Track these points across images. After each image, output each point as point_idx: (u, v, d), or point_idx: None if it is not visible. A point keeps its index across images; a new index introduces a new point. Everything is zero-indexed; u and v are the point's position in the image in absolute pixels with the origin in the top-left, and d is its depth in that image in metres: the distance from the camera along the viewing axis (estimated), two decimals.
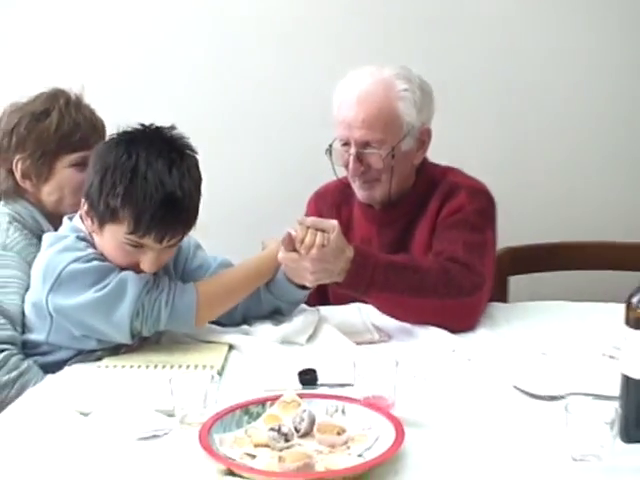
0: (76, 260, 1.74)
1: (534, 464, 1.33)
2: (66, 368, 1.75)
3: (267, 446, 1.38)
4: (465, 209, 2.02)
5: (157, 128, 1.79)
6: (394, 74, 2.03)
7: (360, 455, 1.34)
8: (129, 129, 1.78)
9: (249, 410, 1.47)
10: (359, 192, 2.09)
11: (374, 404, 1.47)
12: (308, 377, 1.63)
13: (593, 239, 2.63)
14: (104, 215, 1.73)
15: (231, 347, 1.82)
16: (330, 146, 2.09)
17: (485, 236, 2.01)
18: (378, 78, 2.02)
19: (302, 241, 1.78)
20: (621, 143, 2.99)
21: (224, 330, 1.89)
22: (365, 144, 2.01)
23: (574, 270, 2.60)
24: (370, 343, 1.85)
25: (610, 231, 2.70)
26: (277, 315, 1.94)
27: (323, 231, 1.79)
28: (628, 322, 1.40)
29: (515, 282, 2.51)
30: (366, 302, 1.97)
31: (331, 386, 1.61)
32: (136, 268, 1.77)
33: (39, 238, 1.92)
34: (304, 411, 1.43)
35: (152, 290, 1.75)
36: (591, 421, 1.32)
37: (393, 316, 1.90)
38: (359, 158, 2.02)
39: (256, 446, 1.38)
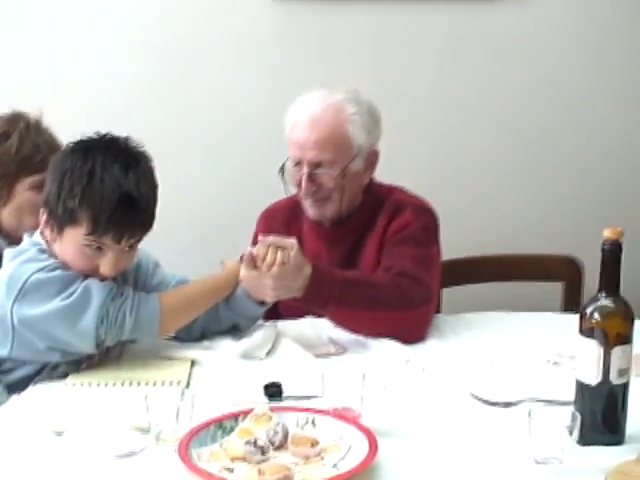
0: (40, 270, 1.71)
1: (501, 468, 1.37)
2: (31, 387, 1.70)
3: (244, 459, 1.37)
4: (411, 226, 2.05)
5: (112, 137, 1.79)
6: (344, 98, 2.05)
7: (335, 465, 1.36)
8: (84, 138, 1.78)
9: (223, 424, 1.46)
10: (310, 210, 2.10)
11: (343, 415, 1.48)
12: (274, 390, 1.63)
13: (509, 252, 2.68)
14: (63, 219, 1.72)
15: (193, 362, 1.80)
16: (282, 166, 2.09)
17: (431, 251, 2.05)
18: (329, 102, 2.04)
19: (263, 259, 1.79)
20: (544, 163, 3.07)
21: (184, 345, 1.88)
22: (317, 164, 2.03)
23: (494, 282, 2.63)
24: (327, 355, 1.85)
25: (526, 245, 2.75)
26: (235, 331, 1.93)
27: (283, 249, 1.79)
28: (582, 331, 1.44)
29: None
30: (320, 316, 1.97)
31: (297, 398, 1.61)
32: (96, 274, 1.75)
33: None
34: (277, 424, 1.43)
35: (116, 297, 1.74)
36: (550, 425, 1.36)
37: (348, 329, 1.92)
38: (311, 178, 2.04)
39: (233, 460, 1.38)
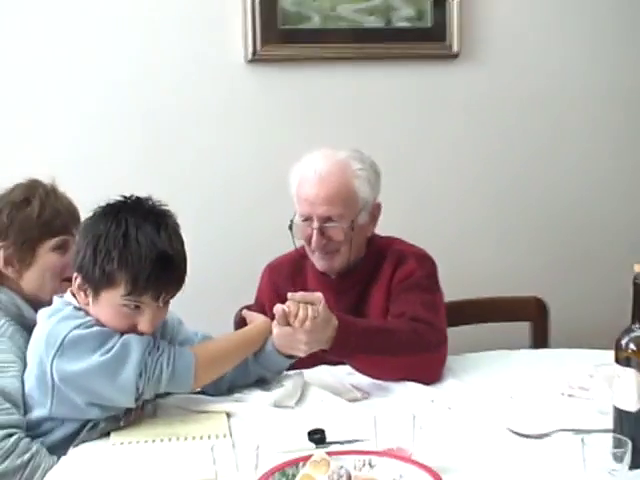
0: (78, 327, 1.69)
1: None
2: (73, 448, 1.65)
3: None
4: (416, 274, 2.09)
5: (138, 197, 1.79)
6: (348, 155, 2.10)
7: None
8: (111, 201, 1.77)
9: (285, 472, 1.44)
10: (319, 262, 2.11)
11: (398, 455, 1.48)
12: (319, 436, 1.61)
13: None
14: (100, 282, 1.70)
15: (228, 415, 1.77)
16: (291, 221, 2.10)
17: (436, 296, 2.10)
18: (335, 159, 2.09)
19: (296, 315, 1.79)
20: (510, 213, 3.15)
21: (216, 399, 1.85)
22: (327, 219, 2.06)
23: (470, 324, 2.66)
24: (354, 401, 1.84)
25: (495, 289, 2.80)
26: (261, 383, 1.90)
27: (312, 304, 1.80)
28: (618, 361, 1.49)
29: None
30: (335, 364, 1.97)
31: (342, 443, 1.59)
32: (133, 332, 1.72)
33: (21, 324, 1.86)
34: (341, 467, 1.42)
35: (154, 351, 1.71)
36: (599, 452, 1.38)
37: (370, 375, 1.93)
38: (322, 231, 2.06)
39: None
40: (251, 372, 1.89)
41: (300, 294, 1.84)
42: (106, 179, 2.65)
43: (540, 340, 2.65)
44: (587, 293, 3.16)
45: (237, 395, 1.86)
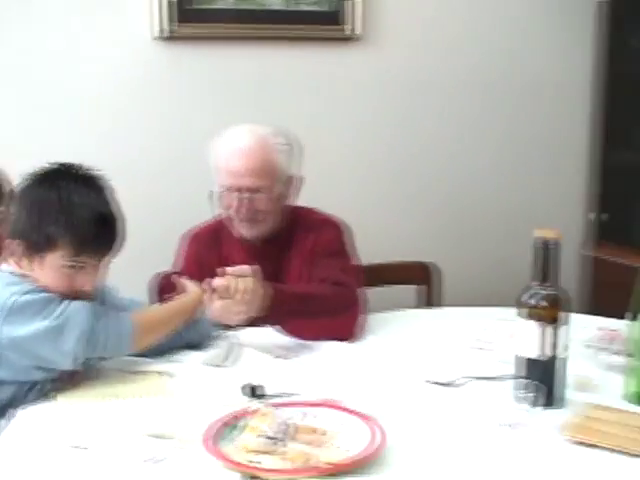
0: (23, 292, 1.70)
1: (471, 432, 1.52)
2: (22, 411, 1.65)
3: (265, 452, 1.41)
4: (335, 241, 2.20)
5: (69, 164, 1.80)
6: (270, 131, 2.14)
7: (347, 450, 1.42)
8: (42, 169, 1.78)
9: (236, 424, 1.50)
10: (245, 230, 2.16)
11: (334, 405, 1.56)
12: (259, 390, 1.67)
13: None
14: (42, 245, 1.72)
15: (166, 374, 1.81)
16: (211, 191, 2.13)
17: (353, 260, 2.19)
18: (259, 134, 2.14)
19: (236, 288, 1.85)
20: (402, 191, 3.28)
21: (153, 361, 1.88)
22: (252, 190, 2.11)
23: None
24: (285, 359, 1.91)
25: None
26: (194, 346, 1.96)
27: (244, 276, 1.87)
28: (520, 315, 1.62)
29: None
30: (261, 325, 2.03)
31: (280, 396, 1.66)
32: (75, 294, 1.75)
33: None
34: (287, 417, 1.49)
35: (96, 317, 1.74)
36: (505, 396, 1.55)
37: (299, 337, 2.00)
38: (247, 201, 2.10)
39: (256, 453, 1.41)
40: (183, 337, 1.93)
41: (232, 269, 1.89)
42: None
43: (435, 302, 2.79)
44: (478, 259, 3.36)
45: (172, 357, 1.90)
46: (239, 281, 1.86)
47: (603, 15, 3.34)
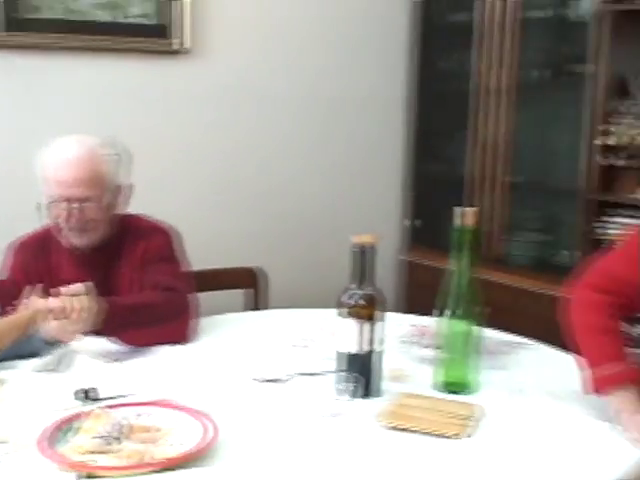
0: None
1: (300, 420, 1.62)
2: None
3: (100, 452, 1.44)
4: (165, 247, 2.21)
5: None
6: (98, 142, 2.15)
7: (181, 444, 1.47)
8: None
9: (72, 426, 1.51)
10: (75, 239, 2.14)
11: (170, 403, 1.61)
12: (92, 394, 1.69)
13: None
14: None
15: None
16: (39, 203, 2.12)
17: (183, 265, 2.23)
18: (86, 145, 2.13)
19: (67, 309, 1.85)
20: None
21: None
22: (80, 199, 2.08)
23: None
24: (120, 362, 1.93)
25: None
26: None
27: (78, 295, 1.88)
28: (341, 314, 1.73)
29: None
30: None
31: (114, 398, 1.68)
32: None
33: None
34: (122, 418, 1.52)
35: None
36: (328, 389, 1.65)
37: (131, 344, 2.01)
38: (75, 211, 2.08)
39: (92, 453, 1.43)
40: (14, 351, 1.89)
41: (66, 289, 1.89)
42: None
43: (262, 305, 2.87)
44: (302, 264, 3.49)
45: (5, 364, 1.87)
46: (74, 300, 1.86)
47: (414, 42, 3.62)
